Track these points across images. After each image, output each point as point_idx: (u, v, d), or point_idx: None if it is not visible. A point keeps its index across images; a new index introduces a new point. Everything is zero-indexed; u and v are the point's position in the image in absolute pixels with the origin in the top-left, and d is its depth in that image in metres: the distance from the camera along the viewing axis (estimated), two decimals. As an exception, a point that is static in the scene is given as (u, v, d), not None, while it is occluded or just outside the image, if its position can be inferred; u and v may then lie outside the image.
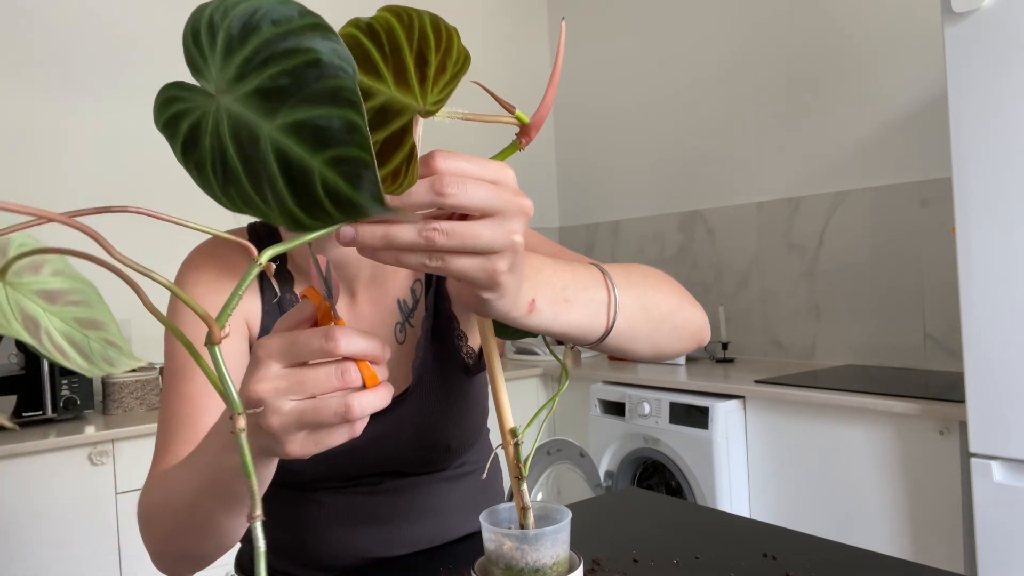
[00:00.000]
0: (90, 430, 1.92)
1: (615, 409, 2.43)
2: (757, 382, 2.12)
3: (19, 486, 1.81)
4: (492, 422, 0.98)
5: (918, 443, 1.75)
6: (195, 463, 0.63)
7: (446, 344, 0.93)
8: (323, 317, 0.50)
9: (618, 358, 0.69)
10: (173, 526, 0.67)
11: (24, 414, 2.00)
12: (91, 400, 2.11)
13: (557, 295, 0.57)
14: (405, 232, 0.43)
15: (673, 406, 2.22)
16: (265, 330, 0.87)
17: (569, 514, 0.62)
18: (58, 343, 0.31)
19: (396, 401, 0.87)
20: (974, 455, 1.57)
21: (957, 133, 1.58)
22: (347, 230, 0.42)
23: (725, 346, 2.63)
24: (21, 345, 2.01)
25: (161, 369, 2.29)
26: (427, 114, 0.42)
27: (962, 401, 1.61)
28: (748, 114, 2.74)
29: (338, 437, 0.49)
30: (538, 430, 0.66)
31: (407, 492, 0.90)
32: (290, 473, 0.85)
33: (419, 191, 0.42)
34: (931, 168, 2.21)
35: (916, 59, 2.24)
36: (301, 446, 0.49)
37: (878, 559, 0.80)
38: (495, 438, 0.75)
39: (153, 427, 1.96)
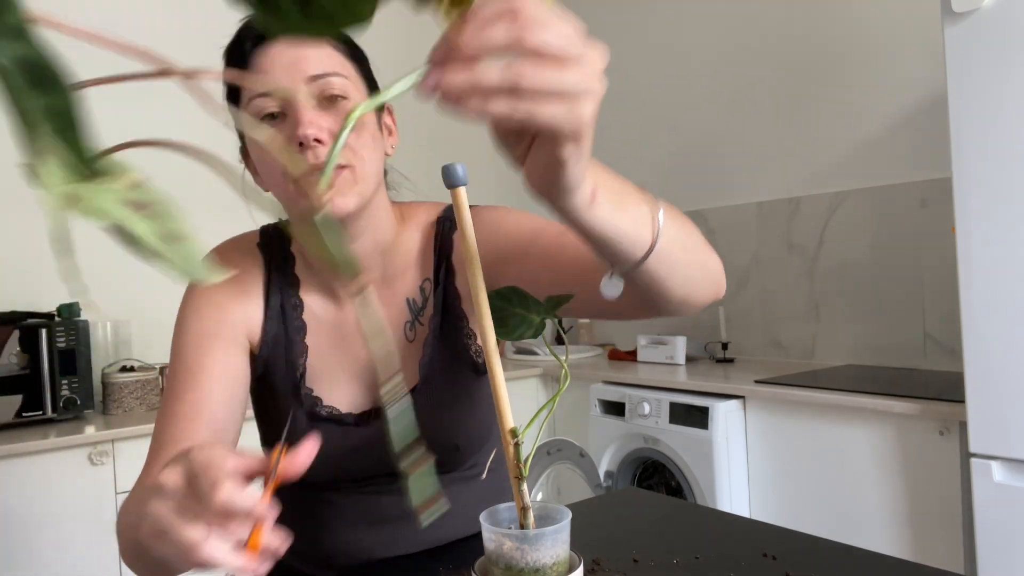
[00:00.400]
0: (90, 430, 1.92)
1: (615, 409, 2.43)
2: (757, 382, 2.12)
3: (19, 486, 1.81)
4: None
5: (918, 443, 1.75)
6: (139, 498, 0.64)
7: (455, 342, 0.92)
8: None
9: (639, 314, 0.64)
10: (131, 545, 0.68)
11: (24, 414, 2.00)
12: (91, 400, 2.11)
13: (613, 195, 0.55)
14: (492, 73, 0.39)
15: (673, 406, 2.22)
16: (267, 336, 0.87)
17: (569, 514, 0.62)
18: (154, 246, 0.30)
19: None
20: (974, 455, 1.57)
21: (957, 133, 1.57)
22: (430, 78, 0.39)
23: (725, 346, 2.63)
24: (22, 345, 2.02)
25: (162, 369, 2.29)
26: None
27: (962, 401, 1.61)
28: (748, 114, 2.74)
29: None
30: (538, 430, 0.66)
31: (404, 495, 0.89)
32: (311, 471, 0.85)
33: (498, 31, 0.39)
34: (931, 168, 2.21)
35: (916, 59, 2.24)
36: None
37: (878, 559, 0.80)
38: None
39: (152, 427, 1.96)
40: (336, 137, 0.43)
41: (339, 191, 0.79)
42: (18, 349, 2.02)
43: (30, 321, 2.05)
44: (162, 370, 2.30)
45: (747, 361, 2.63)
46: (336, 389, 0.88)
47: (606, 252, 0.59)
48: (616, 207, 0.56)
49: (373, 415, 0.88)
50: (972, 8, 1.53)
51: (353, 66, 0.85)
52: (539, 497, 2.74)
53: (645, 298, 0.68)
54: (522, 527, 0.62)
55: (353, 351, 0.89)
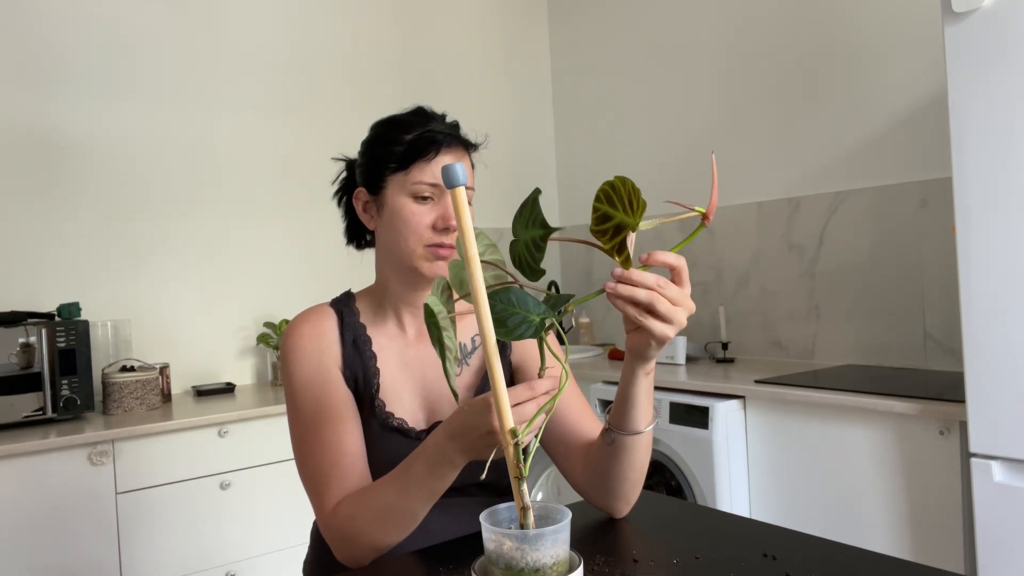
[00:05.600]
0: (90, 430, 1.92)
1: (615, 409, 2.43)
2: (757, 382, 2.12)
3: (19, 486, 1.81)
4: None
5: (918, 443, 1.75)
6: (397, 478, 0.91)
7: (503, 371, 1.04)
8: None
9: (620, 434, 0.95)
10: (369, 524, 0.92)
11: (24, 414, 2.00)
12: (91, 400, 2.11)
13: (651, 390, 0.93)
14: (641, 294, 0.74)
15: (673, 406, 2.22)
16: (347, 363, 1.08)
17: (569, 514, 0.62)
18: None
19: None
20: (974, 455, 1.57)
21: (957, 133, 1.57)
22: (610, 283, 0.74)
23: (725, 346, 2.63)
24: (22, 345, 2.02)
25: (162, 369, 2.30)
26: (635, 227, 0.71)
27: (962, 401, 1.61)
28: (748, 114, 2.74)
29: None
30: (538, 430, 0.66)
31: (457, 510, 1.03)
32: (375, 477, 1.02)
33: (648, 278, 0.74)
34: (931, 168, 2.21)
35: (916, 59, 2.24)
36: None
37: (878, 559, 0.80)
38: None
39: (153, 427, 1.96)
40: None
41: (447, 263, 1.03)
42: (18, 349, 2.02)
43: (30, 321, 2.05)
44: (162, 370, 2.30)
45: (747, 361, 2.63)
46: (402, 405, 1.08)
47: (628, 410, 0.91)
48: (648, 393, 0.91)
49: (431, 430, 1.06)
50: (972, 8, 1.53)
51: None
52: (539, 497, 2.74)
53: (610, 476, 0.98)
54: (522, 527, 0.62)
55: (416, 376, 1.10)
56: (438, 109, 1.13)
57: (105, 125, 2.46)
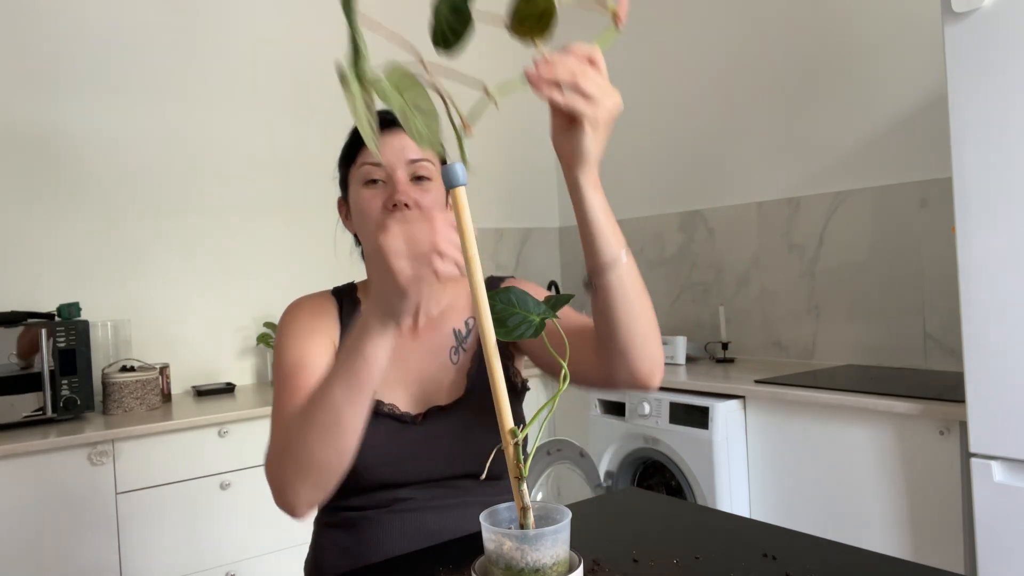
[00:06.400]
0: (90, 430, 1.92)
1: (615, 409, 2.43)
2: (757, 382, 2.12)
3: (19, 486, 1.81)
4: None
5: (918, 443, 1.75)
6: (332, 366, 0.83)
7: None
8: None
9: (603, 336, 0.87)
10: (302, 427, 0.84)
11: (24, 414, 2.00)
12: (91, 400, 2.11)
13: (605, 203, 0.82)
14: (563, 72, 0.69)
15: (673, 406, 2.22)
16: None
17: (569, 514, 0.62)
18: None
19: (452, 406, 1.05)
20: (974, 455, 1.57)
21: (957, 133, 1.57)
22: (531, 71, 0.68)
23: (725, 346, 2.63)
24: (22, 345, 2.02)
25: (162, 369, 2.30)
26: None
27: (962, 401, 1.61)
28: (748, 114, 2.74)
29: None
30: (538, 430, 0.66)
31: (454, 508, 1.02)
32: (357, 476, 0.97)
33: (569, 59, 0.69)
34: (931, 168, 2.21)
35: (916, 59, 2.24)
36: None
37: (878, 559, 0.80)
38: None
39: (153, 427, 1.96)
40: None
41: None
42: (18, 349, 2.02)
43: (30, 321, 2.05)
44: (162, 370, 2.30)
45: (747, 361, 2.63)
46: (394, 394, 1.05)
47: (593, 241, 0.82)
48: (605, 209, 0.82)
49: (426, 416, 1.04)
50: (972, 8, 1.53)
51: (437, 159, 1.09)
52: (539, 497, 2.74)
53: (599, 336, 0.89)
54: (522, 527, 0.62)
55: (410, 369, 1.07)
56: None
57: (105, 124, 2.46)
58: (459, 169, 0.67)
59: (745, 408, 2.12)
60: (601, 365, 0.92)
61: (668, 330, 2.97)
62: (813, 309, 2.54)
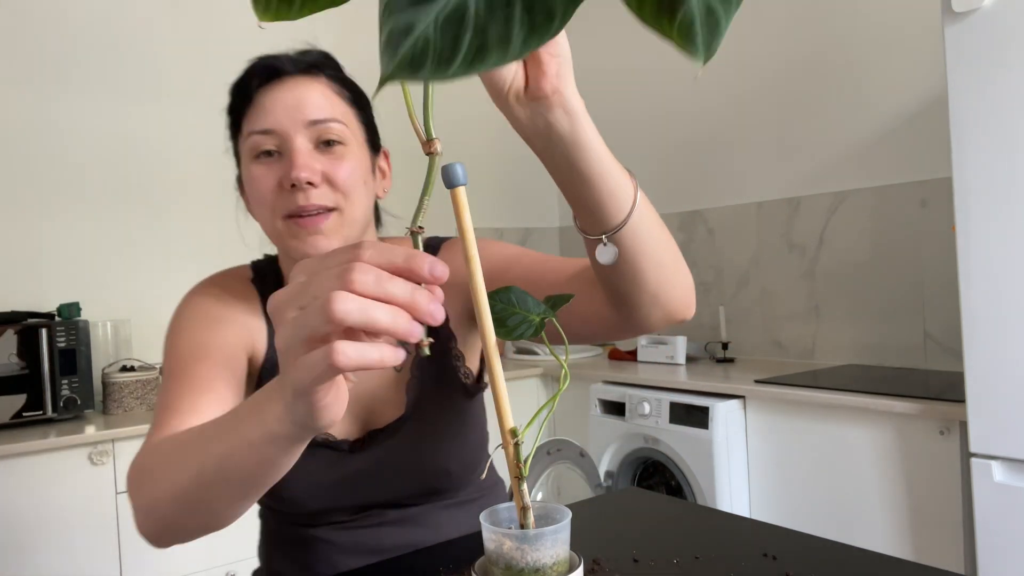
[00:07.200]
0: (90, 430, 1.92)
1: (615, 409, 2.43)
2: (757, 382, 2.12)
3: (19, 486, 1.81)
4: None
5: (918, 443, 1.75)
6: (212, 436, 0.61)
7: (444, 366, 0.92)
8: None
9: (622, 294, 0.71)
10: (169, 492, 0.63)
11: (24, 414, 2.00)
12: (91, 400, 2.11)
13: (599, 139, 0.63)
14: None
15: (673, 406, 2.22)
16: (268, 362, 0.88)
17: (569, 514, 0.62)
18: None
19: (394, 427, 0.89)
20: (974, 455, 1.57)
21: (957, 133, 1.57)
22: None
23: (725, 346, 2.63)
24: (22, 345, 2.02)
25: (161, 368, 2.29)
26: None
27: (962, 401, 1.61)
28: (748, 114, 2.74)
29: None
30: (538, 430, 0.66)
31: (412, 523, 0.91)
32: (295, 505, 0.86)
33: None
34: (931, 168, 2.21)
35: (916, 59, 2.24)
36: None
37: (878, 559, 0.80)
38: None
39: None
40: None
41: (324, 234, 0.81)
42: (18, 349, 2.02)
43: (30, 321, 2.05)
44: (162, 370, 2.30)
45: (747, 361, 2.63)
46: None
47: (595, 193, 0.64)
48: (602, 146, 0.62)
49: (367, 442, 0.89)
50: (972, 8, 1.53)
51: (354, 113, 0.87)
52: (539, 497, 2.74)
53: (621, 291, 0.71)
54: (522, 527, 0.62)
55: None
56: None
57: (105, 124, 2.45)
58: (459, 168, 0.66)
59: (745, 408, 2.12)
60: (626, 316, 0.74)
61: (668, 330, 2.97)
62: (813, 309, 2.54)
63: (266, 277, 0.95)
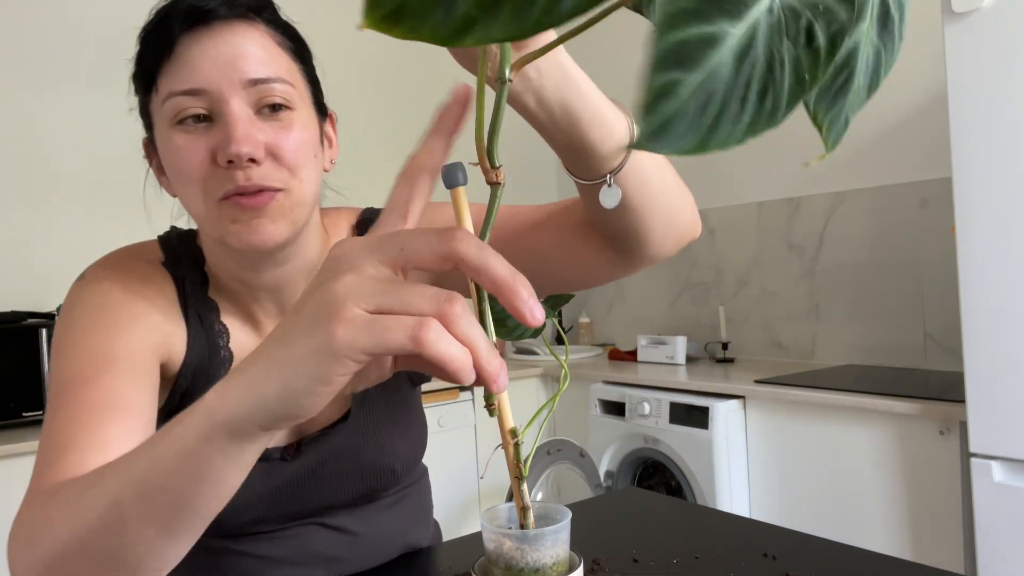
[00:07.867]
0: (90, 430, 1.91)
1: (615, 409, 2.43)
2: (757, 382, 2.12)
3: (19, 486, 1.80)
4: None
5: (918, 443, 1.75)
6: (131, 458, 0.48)
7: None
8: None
9: (629, 241, 0.67)
10: (70, 541, 0.48)
11: (24, 414, 2.00)
12: (91, 400, 2.11)
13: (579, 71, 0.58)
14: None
15: (673, 406, 2.22)
16: (188, 366, 0.74)
17: (569, 514, 0.62)
18: None
19: (333, 428, 0.80)
20: (974, 455, 1.57)
21: (957, 133, 1.57)
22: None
23: (725, 346, 2.63)
24: (22, 345, 2.02)
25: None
26: None
27: (962, 401, 1.61)
28: (748, 114, 2.74)
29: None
30: (538, 430, 0.66)
31: (348, 527, 0.83)
32: (219, 522, 0.56)
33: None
34: (931, 168, 2.21)
35: (916, 59, 2.24)
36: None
37: (878, 559, 0.80)
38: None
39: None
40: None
41: (270, 217, 0.68)
42: (18, 349, 2.02)
43: (30, 321, 2.05)
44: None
45: (747, 361, 2.63)
46: None
47: (592, 131, 0.58)
48: (590, 83, 0.58)
49: (300, 448, 0.79)
50: (972, 8, 1.53)
51: (299, 68, 0.73)
52: (539, 497, 2.74)
53: (629, 228, 0.66)
54: (522, 527, 0.62)
55: None
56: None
57: (105, 124, 2.46)
58: (460, 168, 0.66)
59: (745, 408, 2.12)
60: (633, 252, 0.68)
61: (668, 330, 2.97)
62: (813, 309, 2.54)
63: (180, 259, 0.78)
